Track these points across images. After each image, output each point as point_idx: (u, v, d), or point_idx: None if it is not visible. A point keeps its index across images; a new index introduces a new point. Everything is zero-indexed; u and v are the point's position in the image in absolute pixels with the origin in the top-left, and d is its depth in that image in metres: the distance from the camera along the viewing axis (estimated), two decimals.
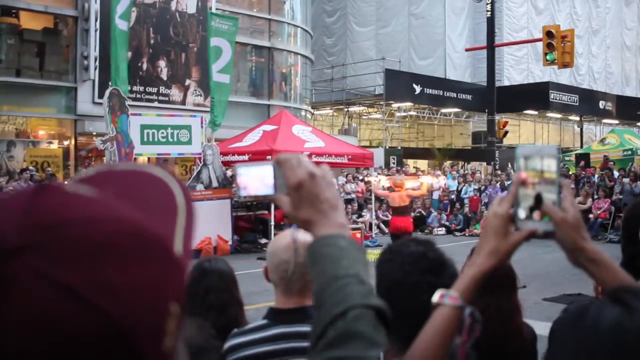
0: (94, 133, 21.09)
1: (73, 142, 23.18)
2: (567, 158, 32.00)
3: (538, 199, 1.44)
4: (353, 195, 22.59)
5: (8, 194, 0.69)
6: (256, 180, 1.38)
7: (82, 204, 0.69)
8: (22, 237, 0.62)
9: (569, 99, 37.76)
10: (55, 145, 23.54)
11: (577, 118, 41.25)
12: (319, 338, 1.14)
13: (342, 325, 1.13)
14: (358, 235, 15.76)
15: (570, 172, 25.40)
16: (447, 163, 28.68)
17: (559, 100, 37.09)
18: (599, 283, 1.44)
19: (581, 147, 38.33)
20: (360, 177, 23.85)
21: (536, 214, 1.44)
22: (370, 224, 21.35)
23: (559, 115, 39.84)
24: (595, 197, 21.50)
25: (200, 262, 3.43)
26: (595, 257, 1.45)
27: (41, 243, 0.62)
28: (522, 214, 1.45)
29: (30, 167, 19.56)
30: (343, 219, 1.31)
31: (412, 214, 17.63)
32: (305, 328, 2.20)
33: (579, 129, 42.63)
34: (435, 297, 1.50)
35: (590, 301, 1.04)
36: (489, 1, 29.48)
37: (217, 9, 25.10)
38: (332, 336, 1.13)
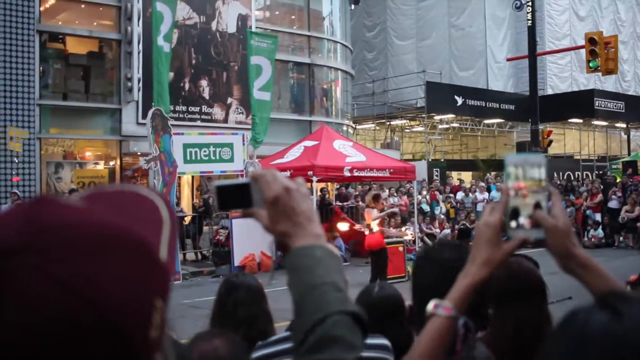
0: (139, 153, 21.41)
1: (118, 162, 23.61)
2: (614, 166, 31.39)
3: (537, 207, 1.44)
4: (396, 209, 22.47)
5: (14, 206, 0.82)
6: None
7: (73, 211, 0.80)
8: (21, 239, 0.74)
9: (615, 105, 37.08)
10: (101, 166, 24.01)
11: (624, 125, 40.50)
12: (300, 344, 1.19)
13: (322, 331, 1.18)
14: (400, 249, 15.66)
15: (617, 180, 24.92)
16: (492, 174, 28.38)
17: (605, 107, 36.46)
18: (590, 289, 1.43)
19: (628, 154, 37.58)
20: (404, 191, 23.77)
21: (527, 222, 1.45)
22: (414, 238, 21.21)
23: (604, 123, 39.12)
24: None
25: (229, 277, 3.48)
26: (586, 262, 1.46)
27: (37, 244, 0.74)
28: (513, 222, 1.46)
29: (74, 187, 19.97)
30: (319, 229, 1.35)
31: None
32: None
33: (625, 136, 41.84)
34: (429, 307, 1.51)
35: (578, 307, 1.03)
36: (530, 10, 29.13)
37: (257, 27, 25.36)
38: (313, 341, 1.17)
